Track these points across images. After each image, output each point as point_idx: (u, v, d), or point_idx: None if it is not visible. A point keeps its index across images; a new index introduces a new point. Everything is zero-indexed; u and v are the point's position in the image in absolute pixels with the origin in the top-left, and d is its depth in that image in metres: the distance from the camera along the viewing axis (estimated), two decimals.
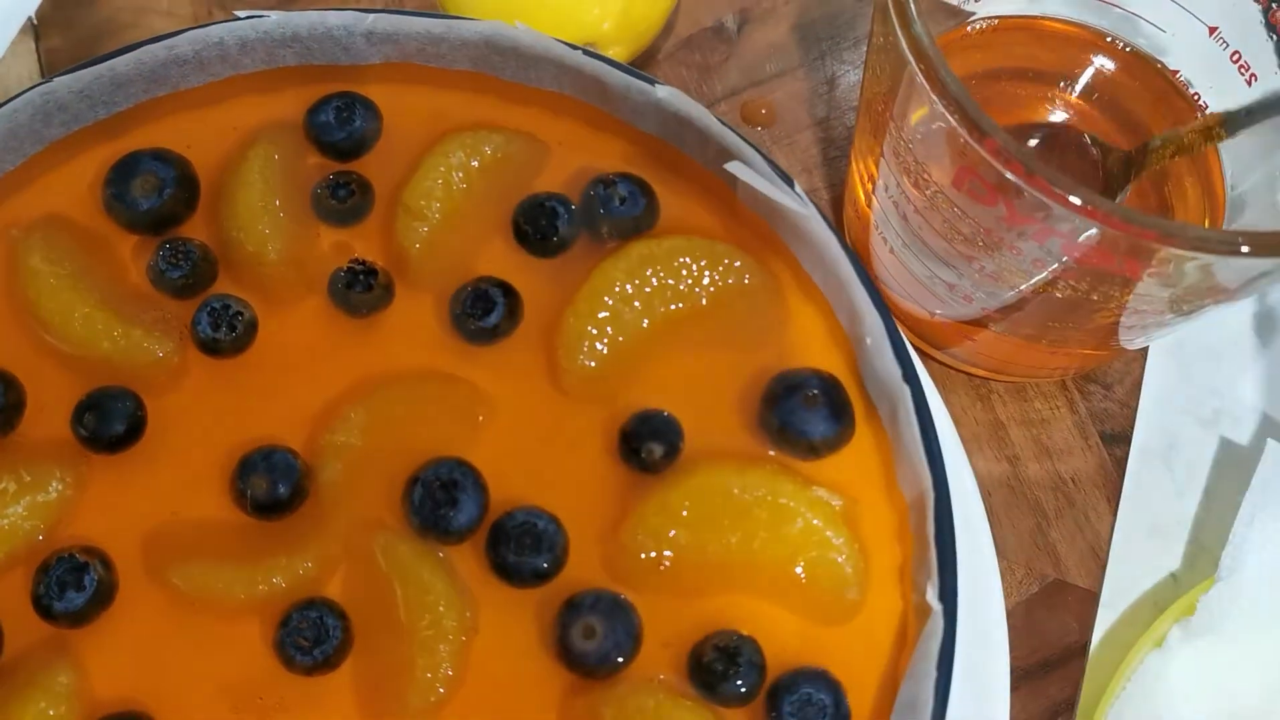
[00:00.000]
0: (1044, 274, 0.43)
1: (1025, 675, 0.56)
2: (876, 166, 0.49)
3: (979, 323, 0.52)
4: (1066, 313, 0.46)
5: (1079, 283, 0.42)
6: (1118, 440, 0.60)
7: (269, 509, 0.43)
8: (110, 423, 0.43)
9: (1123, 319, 0.45)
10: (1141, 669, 0.57)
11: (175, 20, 0.64)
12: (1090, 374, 0.61)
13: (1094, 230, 0.38)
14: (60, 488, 0.42)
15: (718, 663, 0.41)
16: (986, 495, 0.59)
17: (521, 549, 0.41)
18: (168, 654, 0.42)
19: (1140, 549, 0.60)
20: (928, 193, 0.44)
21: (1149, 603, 0.60)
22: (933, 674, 0.39)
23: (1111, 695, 0.57)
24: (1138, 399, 0.61)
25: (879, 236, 0.52)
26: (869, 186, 0.52)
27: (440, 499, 0.42)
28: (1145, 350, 0.62)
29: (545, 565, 0.42)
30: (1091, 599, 0.58)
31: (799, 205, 0.44)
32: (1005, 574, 0.58)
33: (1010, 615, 0.57)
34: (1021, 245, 0.42)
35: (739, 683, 0.41)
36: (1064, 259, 0.41)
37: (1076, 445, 0.60)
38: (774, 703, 0.41)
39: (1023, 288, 0.45)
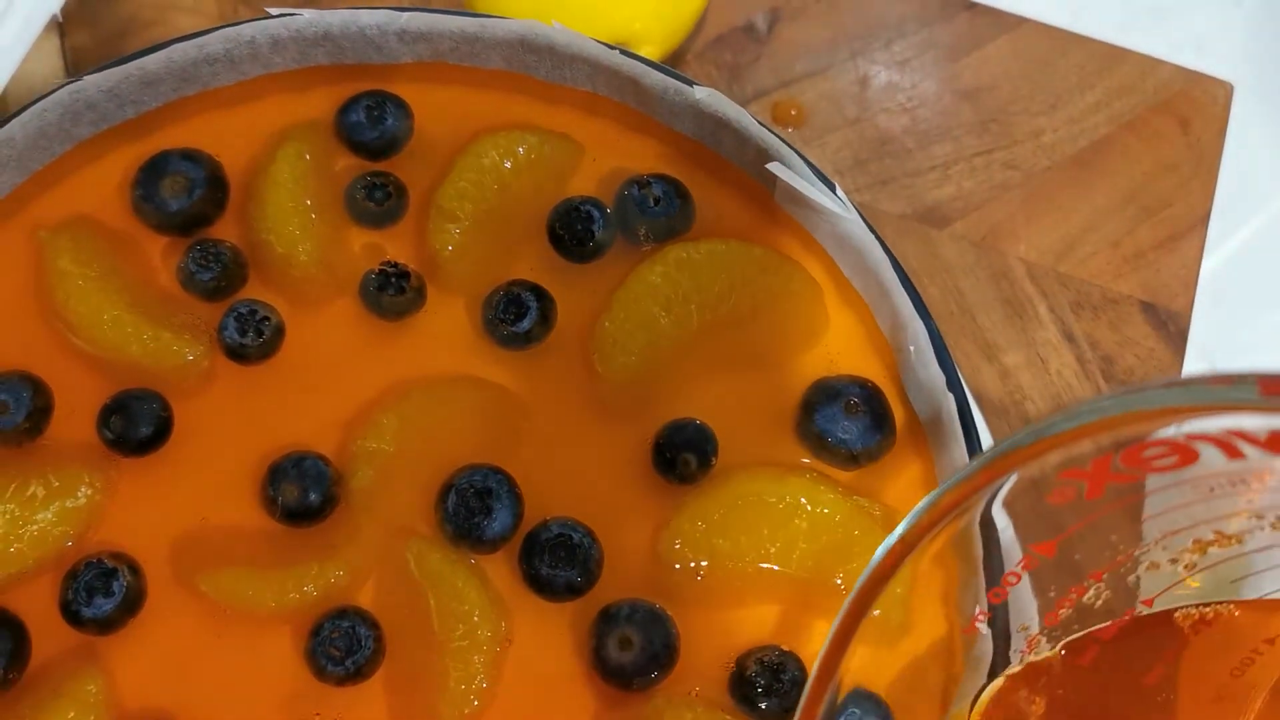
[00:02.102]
0: None
1: None
2: None
3: None
4: None
5: None
6: None
7: (300, 516, 0.42)
8: (137, 425, 0.42)
9: None
10: None
11: (201, 17, 0.63)
12: (1128, 379, 0.60)
13: None
14: (89, 493, 0.41)
15: (760, 677, 0.40)
16: None
17: (556, 562, 0.41)
18: (197, 663, 0.41)
19: None
20: None
21: None
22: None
23: None
24: None
25: None
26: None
27: (474, 507, 0.42)
28: (1181, 358, 0.61)
29: (579, 579, 0.41)
30: None
31: (841, 209, 0.43)
32: None
33: None
34: None
35: (779, 700, 0.40)
36: None
37: None
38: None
39: None
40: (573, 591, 0.41)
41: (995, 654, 0.38)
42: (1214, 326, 0.62)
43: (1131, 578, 0.37)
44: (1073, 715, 0.38)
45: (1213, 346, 0.62)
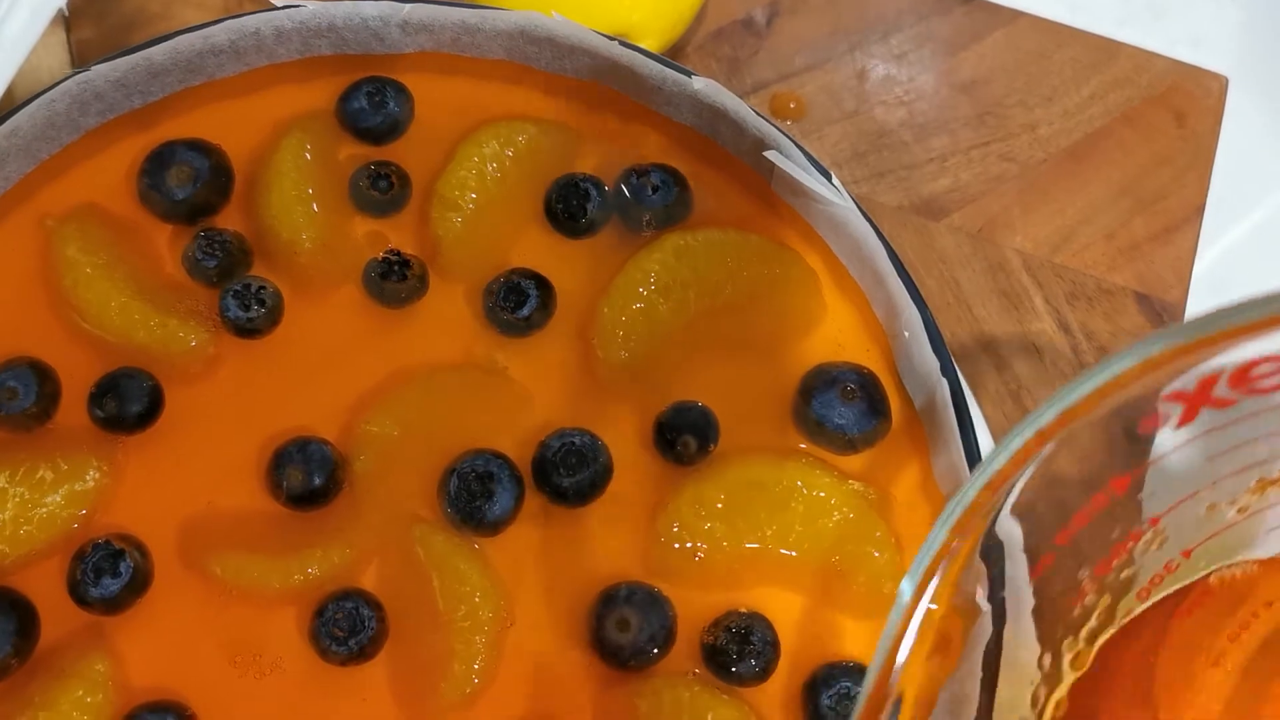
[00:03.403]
0: None
1: None
2: None
3: None
4: None
5: None
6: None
7: (304, 500, 0.43)
8: (127, 403, 0.43)
9: None
10: None
11: (206, 11, 0.63)
12: None
13: None
14: (97, 476, 0.42)
15: (731, 644, 0.41)
16: None
17: (570, 470, 0.42)
18: (203, 643, 0.41)
19: None
20: None
21: None
22: (978, 673, 0.39)
23: None
24: None
25: None
26: None
27: (476, 490, 0.42)
28: None
29: (600, 473, 0.42)
30: None
31: (837, 197, 0.44)
32: None
33: None
34: None
35: (752, 662, 0.41)
36: None
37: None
38: (812, 695, 0.41)
39: None
40: (596, 487, 0.42)
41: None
42: None
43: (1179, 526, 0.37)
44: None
45: None
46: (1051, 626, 0.39)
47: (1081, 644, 0.39)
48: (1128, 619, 0.39)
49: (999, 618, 0.38)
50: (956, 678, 0.40)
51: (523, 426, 0.44)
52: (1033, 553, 0.36)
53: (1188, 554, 0.39)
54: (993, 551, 0.40)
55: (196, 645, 0.41)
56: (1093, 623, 0.39)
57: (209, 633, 0.42)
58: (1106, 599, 0.38)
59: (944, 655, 0.34)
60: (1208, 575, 0.40)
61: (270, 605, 0.42)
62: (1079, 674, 0.39)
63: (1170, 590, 0.40)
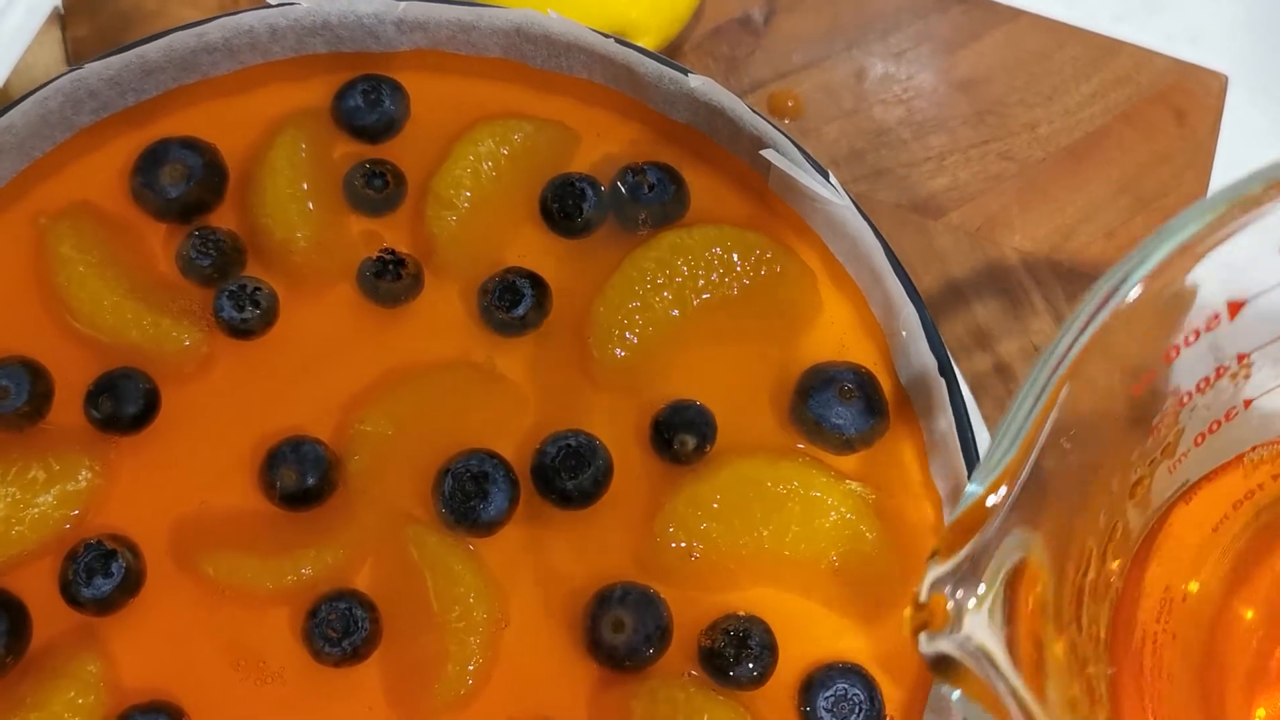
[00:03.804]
0: None
1: None
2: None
3: None
4: None
5: None
6: None
7: (298, 500, 0.42)
8: (124, 404, 0.42)
9: None
10: None
11: (200, 9, 0.63)
12: None
13: None
14: (89, 476, 0.42)
15: (729, 648, 0.40)
16: None
17: (571, 472, 0.42)
18: (196, 644, 0.41)
19: None
20: None
21: None
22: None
23: None
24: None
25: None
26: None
27: (470, 491, 0.42)
28: None
29: (602, 472, 0.42)
30: None
31: (834, 196, 0.43)
32: None
33: None
34: None
35: (750, 666, 0.40)
36: None
37: None
38: (808, 697, 0.41)
39: None
40: (600, 485, 0.42)
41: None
42: None
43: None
44: None
45: None
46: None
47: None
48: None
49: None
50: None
51: (518, 426, 0.44)
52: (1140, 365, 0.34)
53: (1247, 404, 0.38)
54: None
55: (189, 646, 0.41)
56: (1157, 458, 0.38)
57: (202, 633, 0.41)
58: (1174, 436, 0.38)
59: None
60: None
61: (263, 606, 0.42)
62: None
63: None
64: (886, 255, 0.43)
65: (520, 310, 0.44)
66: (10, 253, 0.45)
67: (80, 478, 0.42)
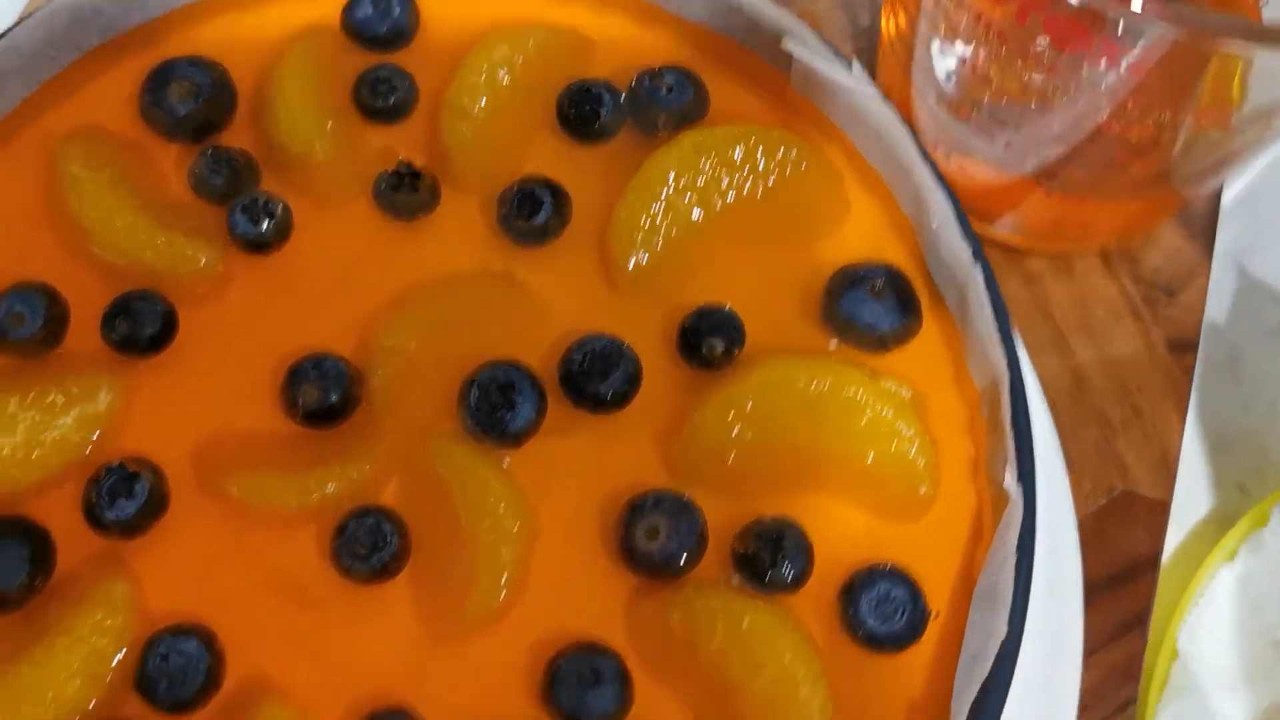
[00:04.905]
0: (1102, 108, 0.41)
1: (1095, 590, 0.54)
2: (916, 15, 0.47)
3: (1029, 184, 0.50)
4: (1126, 156, 0.44)
5: (1141, 113, 0.40)
6: (1184, 348, 0.58)
7: (321, 417, 0.41)
8: (141, 325, 0.42)
9: (1177, 155, 0.43)
10: (1214, 583, 0.56)
11: None
12: (1154, 279, 0.59)
13: (1160, 34, 0.36)
14: (109, 399, 0.41)
15: (764, 551, 0.40)
16: (1050, 405, 0.57)
17: (600, 375, 0.41)
18: (223, 566, 0.40)
19: (1208, 461, 0.58)
20: (980, 34, 0.42)
21: (1218, 515, 0.58)
22: (1012, 558, 0.37)
23: (1185, 609, 0.55)
24: (1203, 306, 0.59)
25: (920, 98, 0.50)
26: (906, 40, 0.49)
27: (497, 401, 0.41)
28: (1209, 257, 0.60)
29: (631, 373, 0.41)
30: (1161, 510, 0.56)
31: (858, 83, 0.42)
32: (1072, 487, 0.56)
33: (1079, 529, 0.55)
34: (1084, 76, 0.40)
35: (785, 569, 0.39)
36: (1122, 81, 0.39)
37: (1142, 353, 0.58)
38: (850, 600, 0.40)
39: (1080, 127, 0.43)
40: (631, 383, 0.41)
41: None
42: (1240, 225, 0.61)
43: None
44: None
45: (1239, 247, 0.61)
46: None
47: None
48: None
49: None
50: (991, 566, 0.38)
51: (542, 338, 0.43)
52: None
53: None
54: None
55: (216, 569, 0.40)
56: None
57: (229, 556, 0.41)
58: None
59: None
60: None
61: (289, 526, 0.41)
62: None
63: None
64: (913, 142, 0.42)
65: (540, 218, 0.43)
66: (21, 178, 0.44)
67: (99, 399, 0.41)
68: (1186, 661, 0.55)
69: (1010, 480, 0.38)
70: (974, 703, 0.36)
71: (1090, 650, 0.52)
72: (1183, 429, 0.57)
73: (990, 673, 0.36)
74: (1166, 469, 0.56)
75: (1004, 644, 0.36)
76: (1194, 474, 0.57)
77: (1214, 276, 0.60)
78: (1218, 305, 0.60)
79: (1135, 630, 0.54)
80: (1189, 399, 0.57)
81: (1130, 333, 0.58)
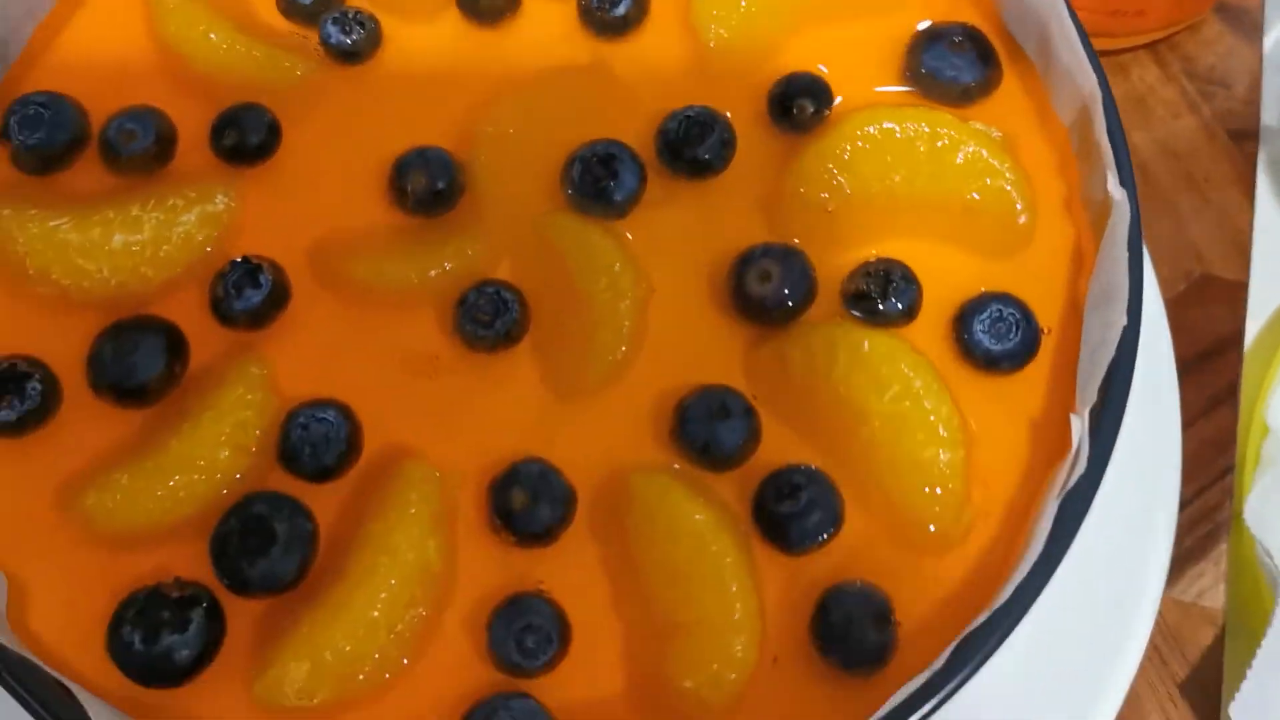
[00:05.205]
0: None
1: (1184, 368, 0.55)
2: None
3: None
4: None
5: None
6: (1244, 137, 0.59)
7: (429, 204, 0.43)
8: (247, 133, 0.43)
9: None
10: None
11: None
12: (1209, 76, 0.60)
13: None
14: (225, 201, 0.42)
15: (874, 286, 0.41)
16: None
17: (694, 140, 0.42)
18: (348, 350, 0.42)
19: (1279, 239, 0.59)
20: None
21: None
22: (1125, 254, 0.38)
23: (1270, 386, 0.56)
24: (1259, 97, 0.60)
25: None
26: None
27: (599, 173, 0.42)
28: (1260, 53, 0.61)
29: (728, 137, 0.43)
30: (1240, 290, 0.57)
31: None
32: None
33: None
34: None
35: (895, 300, 0.40)
36: None
37: (1204, 145, 0.59)
38: (964, 325, 0.41)
39: None
40: (728, 149, 0.43)
41: None
42: None
43: None
44: None
45: None
46: None
47: None
48: None
49: None
50: (1103, 266, 0.39)
51: (633, 121, 0.44)
52: None
53: None
54: None
55: (342, 351, 0.42)
56: None
57: (352, 339, 0.42)
58: None
59: None
60: None
61: (409, 307, 0.42)
62: None
63: None
64: None
65: (621, 9, 0.45)
66: (121, 18, 0.46)
67: (217, 201, 0.42)
68: (1276, 436, 0.55)
69: (1114, 185, 0.39)
70: (1101, 386, 0.37)
71: (1188, 423, 0.52)
72: (1253, 212, 0.58)
73: (1115, 357, 0.37)
74: (1240, 252, 0.57)
75: (1124, 332, 0.37)
76: (1268, 255, 0.58)
77: (1267, 62, 0.60)
78: (1274, 92, 0.60)
79: (1226, 403, 0.54)
80: (1255, 183, 0.58)
81: (1191, 127, 0.59)
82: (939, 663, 0.34)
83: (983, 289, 0.41)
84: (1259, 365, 0.57)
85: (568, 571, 0.39)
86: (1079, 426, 0.36)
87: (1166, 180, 0.58)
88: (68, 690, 0.35)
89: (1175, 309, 0.56)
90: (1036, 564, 0.35)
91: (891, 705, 0.33)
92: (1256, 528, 0.50)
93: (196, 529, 0.38)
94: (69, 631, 0.38)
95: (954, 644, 0.34)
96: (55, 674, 0.34)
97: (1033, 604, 0.35)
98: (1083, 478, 0.36)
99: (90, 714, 0.33)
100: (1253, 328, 0.57)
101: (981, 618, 0.34)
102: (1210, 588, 0.52)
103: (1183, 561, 0.51)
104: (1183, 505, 0.47)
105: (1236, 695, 0.46)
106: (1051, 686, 0.43)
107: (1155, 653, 0.50)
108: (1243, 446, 0.55)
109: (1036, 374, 0.41)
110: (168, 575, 0.37)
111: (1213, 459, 0.54)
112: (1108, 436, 0.36)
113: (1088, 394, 0.38)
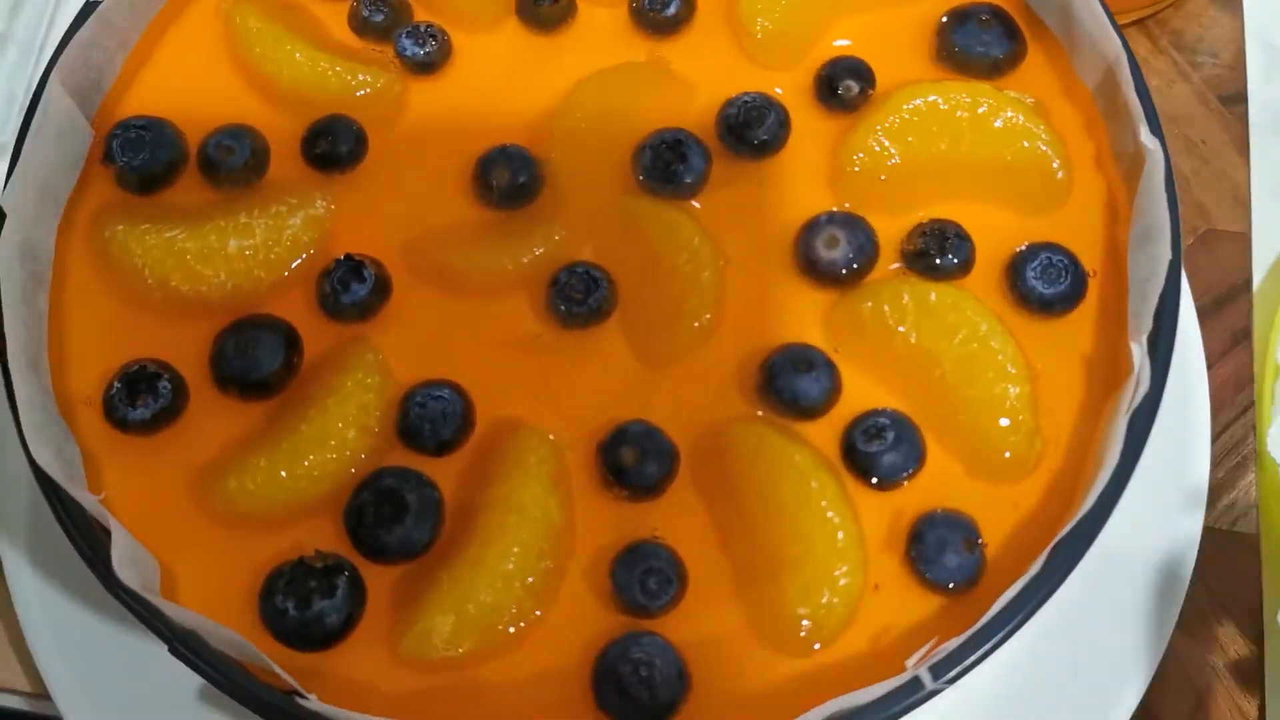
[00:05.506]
0: None
1: (1201, 314, 0.59)
2: None
3: None
4: None
5: None
6: (1234, 100, 0.64)
7: (513, 197, 0.46)
8: (338, 143, 0.46)
9: None
10: None
11: None
12: (1197, 47, 0.65)
13: None
14: (325, 204, 0.45)
15: (931, 243, 0.44)
16: None
17: (754, 122, 0.46)
18: (450, 334, 0.45)
19: (1274, 194, 0.63)
20: None
21: None
22: (1164, 196, 0.42)
23: (1279, 328, 0.60)
24: (1244, 63, 0.65)
25: None
26: None
27: (669, 158, 0.46)
28: (1241, 23, 0.66)
29: (783, 119, 0.46)
30: (1243, 241, 0.61)
31: None
32: None
33: None
34: None
35: (952, 256, 0.44)
36: None
37: (1197, 110, 0.63)
38: (1017, 274, 0.44)
39: None
40: (784, 129, 0.46)
41: None
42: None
43: None
44: None
45: (1260, 24, 0.66)
46: None
47: None
48: None
49: None
50: (1141, 208, 0.43)
51: (688, 109, 0.48)
52: None
53: None
54: None
55: (445, 337, 0.45)
56: None
57: (453, 325, 0.45)
58: None
59: None
60: None
61: (503, 291, 0.45)
62: None
63: None
64: None
65: (671, 9, 0.48)
66: (205, 44, 0.49)
67: (317, 204, 0.45)
68: None
69: (1146, 135, 0.43)
70: (1155, 312, 0.40)
71: (1211, 363, 0.56)
72: (1248, 169, 0.62)
73: (1164, 287, 0.40)
74: (1240, 206, 0.61)
75: (1170, 265, 0.41)
76: (1265, 207, 0.62)
77: (1248, 43, 0.65)
78: (1259, 62, 0.65)
79: (1242, 344, 0.58)
80: (1248, 142, 0.62)
81: (1184, 94, 0.64)
82: (1036, 566, 0.37)
83: (1028, 242, 0.45)
84: (1267, 309, 0.61)
85: (676, 521, 0.42)
86: (1138, 352, 0.40)
87: (1168, 144, 0.62)
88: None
89: (1187, 261, 0.60)
90: (1114, 474, 0.38)
91: (1000, 606, 0.36)
92: None
93: (328, 506, 0.41)
94: (215, 608, 0.40)
95: (1049, 547, 0.37)
96: (227, 629, 0.37)
97: (1113, 510, 0.38)
98: (1147, 396, 0.39)
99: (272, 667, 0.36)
100: (1258, 274, 0.61)
101: (1071, 524, 0.38)
102: (1243, 515, 0.55)
103: (1216, 492, 0.55)
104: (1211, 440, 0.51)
105: None
106: (1116, 610, 0.46)
107: (1200, 579, 0.53)
108: (1259, 385, 0.59)
109: (1084, 314, 0.44)
110: (304, 550, 0.40)
111: (1237, 391, 0.58)
112: (1164, 356, 0.40)
113: (1142, 321, 0.41)
